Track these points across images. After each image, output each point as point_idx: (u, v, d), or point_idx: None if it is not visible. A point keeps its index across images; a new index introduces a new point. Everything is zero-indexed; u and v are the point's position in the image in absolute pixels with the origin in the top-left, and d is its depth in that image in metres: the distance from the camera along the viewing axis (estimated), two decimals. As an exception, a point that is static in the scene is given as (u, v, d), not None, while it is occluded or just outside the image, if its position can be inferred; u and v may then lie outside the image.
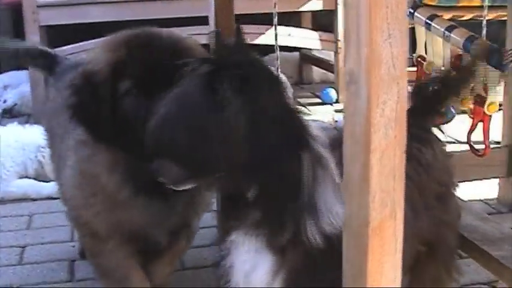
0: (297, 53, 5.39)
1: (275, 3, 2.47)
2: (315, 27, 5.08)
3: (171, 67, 1.59)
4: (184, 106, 1.38)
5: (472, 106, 2.08)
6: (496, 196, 2.97)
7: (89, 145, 1.89)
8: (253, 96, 1.36)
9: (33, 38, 4.35)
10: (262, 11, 4.22)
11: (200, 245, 2.54)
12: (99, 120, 1.79)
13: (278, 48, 2.55)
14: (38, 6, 4.34)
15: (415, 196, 1.64)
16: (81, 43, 4.43)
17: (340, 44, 4.62)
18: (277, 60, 2.50)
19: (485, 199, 2.99)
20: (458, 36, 2.06)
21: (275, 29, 2.53)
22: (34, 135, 3.40)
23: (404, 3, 1.17)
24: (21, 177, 3.37)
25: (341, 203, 1.37)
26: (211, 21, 2.42)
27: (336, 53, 4.71)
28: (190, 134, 1.36)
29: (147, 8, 4.52)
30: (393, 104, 1.18)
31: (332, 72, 4.95)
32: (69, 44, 4.42)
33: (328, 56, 5.14)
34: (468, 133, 2.15)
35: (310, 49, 5.13)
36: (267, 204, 1.42)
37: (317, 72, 5.40)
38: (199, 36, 4.11)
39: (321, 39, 4.73)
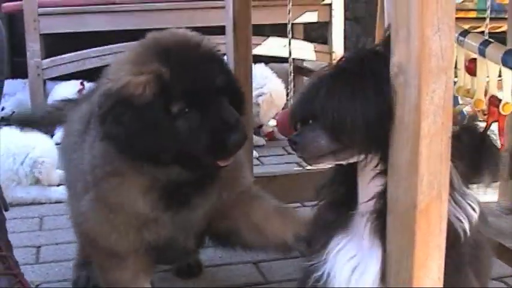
0: (287, 64, 5.47)
1: (289, 11, 2.55)
2: (307, 39, 5.17)
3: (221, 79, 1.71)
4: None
5: (485, 107, 2.16)
6: (496, 199, 3.05)
7: (117, 175, 1.82)
8: None
9: (34, 46, 4.40)
10: (276, 22, 4.37)
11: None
12: (151, 147, 1.71)
13: (291, 61, 2.65)
14: (39, 15, 4.39)
15: None
16: (79, 52, 4.51)
17: (334, 56, 4.72)
18: (291, 68, 2.61)
19: (485, 202, 3.07)
20: (472, 41, 2.15)
21: (289, 40, 2.63)
22: (27, 141, 3.40)
23: (453, -1, 1.27)
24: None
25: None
26: (230, 30, 2.51)
27: (330, 64, 4.80)
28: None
29: (148, 18, 4.59)
30: (441, 93, 1.28)
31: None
32: (67, 53, 4.50)
33: (317, 66, 5.24)
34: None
35: (303, 60, 5.21)
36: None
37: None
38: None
39: (315, 51, 4.82)
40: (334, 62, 4.09)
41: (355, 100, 1.37)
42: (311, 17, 4.81)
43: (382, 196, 1.41)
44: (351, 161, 1.44)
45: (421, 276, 1.33)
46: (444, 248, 1.34)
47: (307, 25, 5.33)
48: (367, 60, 1.43)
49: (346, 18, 4.94)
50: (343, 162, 1.45)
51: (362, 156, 1.42)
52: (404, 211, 1.33)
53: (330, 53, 4.80)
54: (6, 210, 2.19)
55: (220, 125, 1.70)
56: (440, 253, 1.34)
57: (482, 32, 2.48)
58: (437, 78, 1.27)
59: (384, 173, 1.40)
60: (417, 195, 1.30)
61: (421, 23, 1.24)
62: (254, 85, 3.21)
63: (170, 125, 1.69)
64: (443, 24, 1.25)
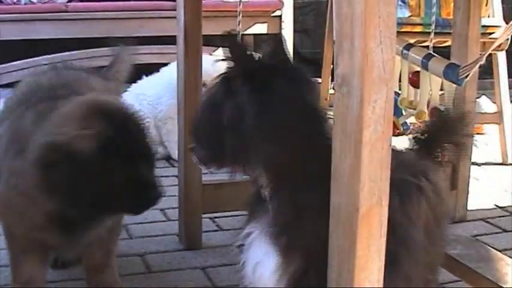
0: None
1: (239, 22, 2.60)
2: (256, 51, 5.22)
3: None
4: (209, 104, 1.60)
5: (428, 118, 2.24)
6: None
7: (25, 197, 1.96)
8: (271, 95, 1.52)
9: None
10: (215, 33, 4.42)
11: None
12: (86, 195, 1.87)
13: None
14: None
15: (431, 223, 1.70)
16: (30, 59, 4.51)
17: (284, 67, 4.78)
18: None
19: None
20: (416, 54, 2.23)
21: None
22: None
23: (394, 14, 1.33)
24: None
25: None
26: (180, 40, 2.56)
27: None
28: (211, 127, 1.57)
29: (99, 26, 4.62)
30: (382, 103, 1.34)
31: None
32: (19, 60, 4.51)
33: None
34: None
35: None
36: (279, 202, 1.55)
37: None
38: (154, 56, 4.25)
39: (265, 62, 4.87)
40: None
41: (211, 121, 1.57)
42: (261, 28, 4.88)
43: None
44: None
45: (362, 278, 1.39)
46: (384, 251, 1.41)
47: (257, 36, 5.39)
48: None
49: (295, 31, 5.02)
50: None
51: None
52: (347, 216, 1.39)
53: (280, 64, 4.85)
54: None
55: (144, 184, 1.95)
56: (381, 256, 1.40)
57: (427, 47, 2.56)
58: (379, 89, 1.33)
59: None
60: (359, 200, 1.36)
61: (364, 36, 1.30)
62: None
63: (105, 178, 1.85)
64: (385, 38, 1.32)
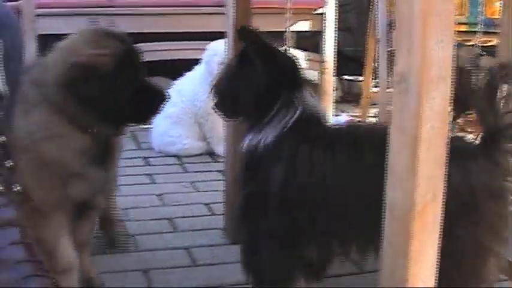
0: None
1: (287, 20, 2.62)
2: (298, 47, 5.23)
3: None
4: (229, 71, 2.20)
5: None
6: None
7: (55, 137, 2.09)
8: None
9: (30, 46, 4.44)
10: (272, 29, 4.46)
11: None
12: (111, 106, 2.11)
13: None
14: (36, 15, 4.44)
15: None
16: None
17: (326, 65, 4.79)
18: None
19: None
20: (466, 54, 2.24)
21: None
22: None
23: (452, 11, 1.34)
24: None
25: None
26: (230, 38, 2.59)
27: (321, 73, 4.87)
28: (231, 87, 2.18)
29: (146, 22, 4.66)
30: (440, 101, 1.35)
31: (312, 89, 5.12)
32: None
33: (308, 74, 5.32)
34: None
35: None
36: None
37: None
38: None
39: (307, 59, 4.89)
40: (326, 70, 4.21)
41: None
42: (304, 26, 4.88)
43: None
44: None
45: (416, 275, 1.40)
46: (437, 246, 1.42)
47: (298, 33, 5.40)
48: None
49: (337, 29, 5.01)
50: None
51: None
52: (401, 213, 1.40)
53: (322, 61, 4.85)
54: None
55: (153, 91, 2.26)
56: (434, 251, 1.42)
57: (473, 45, 2.56)
58: (437, 87, 1.34)
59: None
60: (415, 198, 1.37)
61: (424, 35, 1.32)
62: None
63: (123, 90, 2.12)
64: (444, 36, 1.33)
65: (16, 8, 4.48)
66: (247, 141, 2.10)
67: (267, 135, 2.04)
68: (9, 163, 1.47)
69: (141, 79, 2.22)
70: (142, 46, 4.45)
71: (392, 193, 1.43)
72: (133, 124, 2.37)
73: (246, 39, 2.11)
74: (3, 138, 1.49)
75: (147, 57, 4.46)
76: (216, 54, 3.79)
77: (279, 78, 2.07)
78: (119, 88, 2.10)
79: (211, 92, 2.21)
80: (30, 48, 4.44)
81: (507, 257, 2.05)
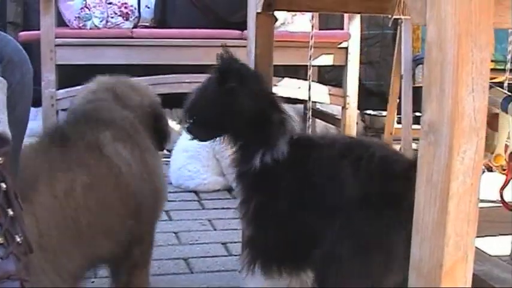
0: (301, 105, 5.48)
1: (310, 56, 2.56)
2: (320, 81, 5.18)
3: None
4: (203, 92, 2.20)
5: (505, 162, 2.16)
6: (508, 253, 3.03)
7: None
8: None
9: (49, 76, 4.42)
10: (293, 63, 4.42)
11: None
12: None
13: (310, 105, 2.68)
14: (56, 45, 4.41)
15: None
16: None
17: (348, 100, 4.73)
18: (309, 113, 2.65)
19: (497, 255, 3.05)
20: (495, 96, 2.15)
21: (309, 85, 2.68)
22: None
23: (488, 60, 1.26)
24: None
25: None
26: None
27: (344, 108, 4.80)
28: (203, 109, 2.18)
29: (164, 53, 4.62)
30: (472, 154, 1.27)
31: (333, 125, 5.07)
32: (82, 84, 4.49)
33: (330, 109, 5.27)
34: (500, 189, 2.23)
35: (315, 102, 5.21)
36: None
37: (319, 125, 5.49)
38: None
39: (330, 94, 4.82)
40: (348, 105, 4.18)
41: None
42: (327, 60, 4.81)
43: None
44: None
45: (444, 337, 1.32)
46: (467, 310, 1.33)
47: (320, 67, 5.35)
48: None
49: (360, 62, 4.95)
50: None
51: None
52: (428, 271, 1.31)
53: (344, 96, 4.79)
54: None
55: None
56: (464, 315, 1.33)
57: (500, 83, 2.48)
58: (469, 139, 1.26)
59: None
60: (443, 256, 1.28)
61: (456, 83, 1.24)
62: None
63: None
64: (478, 85, 1.25)
65: (36, 38, 4.47)
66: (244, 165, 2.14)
67: (270, 155, 2.07)
68: (10, 212, 1.40)
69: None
70: (164, 78, 4.50)
71: (418, 250, 1.34)
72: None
73: (226, 63, 2.16)
74: (5, 186, 1.41)
75: (169, 89, 4.48)
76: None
77: (264, 100, 2.13)
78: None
79: (185, 115, 2.21)
80: (50, 78, 4.42)
81: None
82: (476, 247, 1.35)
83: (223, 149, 3.86)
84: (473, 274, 1.35)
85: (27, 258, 1.40)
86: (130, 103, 2.26)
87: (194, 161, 3.96)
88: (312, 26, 2.79)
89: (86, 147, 2.01)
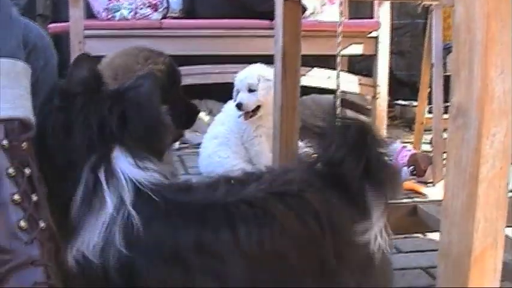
0: (330, 96, 5.45)
1: (339, 44, 2.53)
2: (350, 71, 5.14)
3: None
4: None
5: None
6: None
7: None
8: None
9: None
10: (322, 53, 4.39)
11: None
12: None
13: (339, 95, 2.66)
14: (85, 37, 4.41)
15: None
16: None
17: (379, 89, 4.69)
18: (338, 99, 2.62)
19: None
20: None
21: (338, 74, 2.64)
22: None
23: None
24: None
25: None
26: (278, 62, 2.49)
27: (374, 97, 4.77)
28: None
29: (192, 44, 4.61)
30: (501, 137, 1.23)
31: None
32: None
33: (360, 99, 5.24)
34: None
35: (345, 92, 5.18)
36: None
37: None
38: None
39: (360, 83, 4.78)
40: (378, 95, 4.10)
41: None
42: (357, 49, 4.78)
43: None
44: None
45: (473, 326, 1.29)
46: (498, 297, 1.30)
47: (351, 57, 5.31)
48: None
49: (391, 52, 4.91)
50: None
51: None
52: (457, 258, 1.29)
53: (375, 86, 4.75)
54: None
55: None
56: (494, 302, 1.30)
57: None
58: (499, 122, 1.23)
59: None
60: (472, 242, 1.25)
61: (485, 64, 1.21)
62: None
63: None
64: (507, 67, 1.22)
65: (65, 30, 4.48)
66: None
67: None
68: (34, 197, 1.39)
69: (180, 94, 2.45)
70: (192, 69, 4.49)
71: (447, 237, 1.31)
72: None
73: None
74: (29, 171, 1.41)
75: (198, 80, 4.47)
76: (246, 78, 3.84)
77: None
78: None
79: None
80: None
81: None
82: (506, 235, 1.32)
83: (251, 138, 3.87)
84: (504, 262, 1.33)
85: (51, 243, 1.39)
86: None
87: (224, 147, 3.95)
88: (341, 12, 2.74)
89: None
